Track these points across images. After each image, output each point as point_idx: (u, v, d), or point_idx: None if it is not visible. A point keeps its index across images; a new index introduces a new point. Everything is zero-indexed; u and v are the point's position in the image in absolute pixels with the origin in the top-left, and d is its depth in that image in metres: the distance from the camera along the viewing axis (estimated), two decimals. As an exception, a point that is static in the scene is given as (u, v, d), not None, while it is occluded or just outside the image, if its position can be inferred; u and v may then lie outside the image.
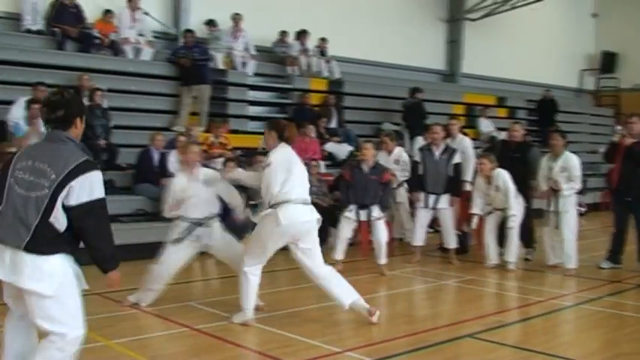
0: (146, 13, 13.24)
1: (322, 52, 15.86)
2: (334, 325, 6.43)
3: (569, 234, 9.09)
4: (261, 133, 9.43)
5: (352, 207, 8.92)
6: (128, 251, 9.40)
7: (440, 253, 10.31)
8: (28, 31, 12.09)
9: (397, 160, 10.36)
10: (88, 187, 3.72)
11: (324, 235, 10.77)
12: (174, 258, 6.81)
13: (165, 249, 6.85)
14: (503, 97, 19.56)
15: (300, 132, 12.97)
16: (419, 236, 9.72)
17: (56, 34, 12.06)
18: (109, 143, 10.95)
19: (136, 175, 10.72)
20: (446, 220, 9.64)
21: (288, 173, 6.08)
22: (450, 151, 9.64)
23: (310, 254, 6.26)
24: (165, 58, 13.33)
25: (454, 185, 9.63)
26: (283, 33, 15.34)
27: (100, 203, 3.78)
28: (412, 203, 10.28)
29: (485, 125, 17.44)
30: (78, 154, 3.78)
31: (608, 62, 24.10)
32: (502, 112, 19.15)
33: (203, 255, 7.60)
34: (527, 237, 9.84)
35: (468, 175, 10.16)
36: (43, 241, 3.66)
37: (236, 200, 7.01)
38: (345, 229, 8.98)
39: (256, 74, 14.72)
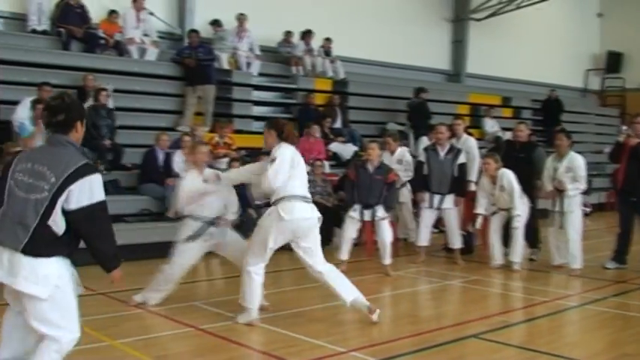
0: (151, 14, 13.27)
1: (327, 52, 15.85)
2: (339, 325, 6.43)
3: (574, 234, 9.08)
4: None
5: (357, 207, 8.91)
6: (133, 251, 9.43)
7: (445, 253, 10.30)
8: (34, 31, 12.13)
9: (400, 160, 10.35)
10: (88, 190, 3.74)
11: (329, 235, 10.79)
12: (186, 257, 6.81)
13: (177, 249, 6.83)
14: (508, 97, 19.55)
15: (304, 132, 13.04)
16: (423, 236, 9.71)
17: (61, 34, 12.11)
18: (114, 143, 10.97)
19: (140, 175, 10.74)
20: (451, 221, 9.63)
21: (292, 170, 6.12)
22: (454, 151, 9.63)
23: (311, 253, 6.29)
24: (170, 59, 13.35)
25: (459, 185, 9.62)
26: (288, 33, 15.35)
27: (100, 206, 3.81)
28: (415, 203, 10.28)
29: (490, 125, 17.45)
30: (77, 157, 3.80)
31: (613, 62, 24.04)
32: (507, 112, 19.14)
33: (208, 255, 7.60)
34: (532, 237, 9.83)
35: (473, 176, 10.14)
36: (40, 244, 3.69)
37: (232, 202, 7.01)
38: (350, 229, 8.97)
39: (261, 74, 14.73)
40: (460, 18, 19.76)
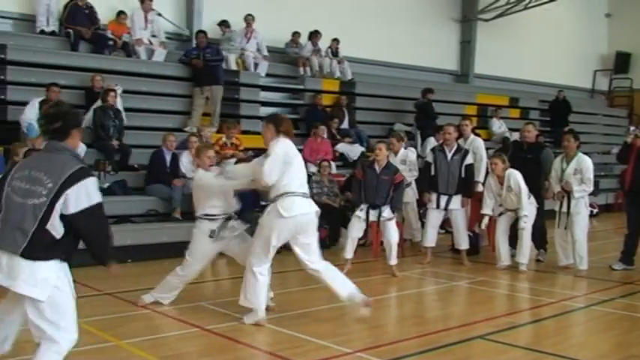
0: (159, 14, 13.30)
1: (334, 52, 15.86)
2: (345, 325, 6.43)
3: (580, 235, 9.06)
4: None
5: (363, 207, 8.91)
6: (140, 251, 9.51)
7: (451, 254, 10.29)
8: (42, 32, 12.18)
9: (404, 160, 10.34)
10: (85, 193, 3.86)
11: (336, 235, 10.83)
12: (200, 258, 6.80)
13: (193, 247, 6.81)
14: (515, 97, 19.51)
15: (312, 133, 13.05)
16: (430, 237, 9.69)
17: (70, 35, 12.14)
18: (122, 144, 11.00)
19: (148, 175, 10.76)
20: (458, 221, 9.62)
21: (288, 165, 6.15)
22: (462, 152, 9.62)
23: (309, 249, 6.34)
24: (177, 59, 13.38)
25: (466, 186, 9.61)
26: (295, 34, 15.36)
27: (98, 207, 3.93)
28: (420, 204, 10.27)
29: (498, 126, 17.44)
30: (73, 162, 3.92)
31: (621, 62, 23.97)
32: (515, 113, 19.11)
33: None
34: (539, 238, 9.82)
35: (480, 176, 10.14)
36: (39, 248, 3.79)
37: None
38: (356, 229, 8.96)
39: (268, 75, 14.76)
40: (468, 18, 19.74)
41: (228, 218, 6.77)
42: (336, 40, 15.78)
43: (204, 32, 13.32)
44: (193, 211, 6.96)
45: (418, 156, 11.46)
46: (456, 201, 9.54)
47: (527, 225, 9.11)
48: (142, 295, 7.00)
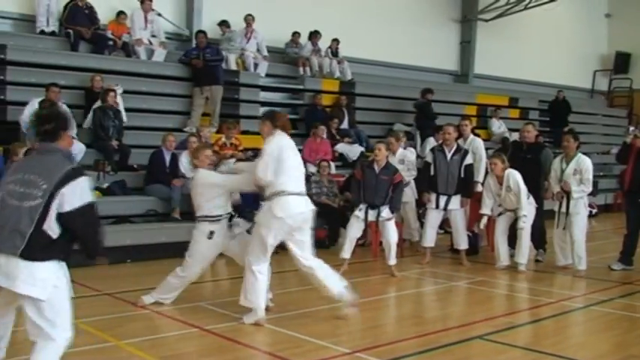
0: (159, 15, 13.31)
1: (334, 52, 15.87)
2: (344, 326, 6.43)
3: (579, 235, 9.07)
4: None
5: (362, 206, 8.91)
6: (139, 252, 9.53)
7: (450, 254, 10.30)
8: (42, 32, 12.18)
9: (402, 160, 10.34)
10: (79, 192, 3.93)
11: (335, 235, 10.83)
12: (201, 259, 6.79)
13: (193, 248, 6.80)
14: (515, 97, 19.51)
15: (311, 133, 13.06)
16: (429, 237, 9.69)
17: (70, 35, 12.14)
18: (122, 144, 11.01)
19: (147, 175, 10.76)
20: (457, 222, 9.62)
21: (282, 162, 6.16)
22: (462, 152, 9.62)
23: (303, 246, 6.38)
24: (177, 60, 13.38)
25: (466, 186, 9.61)
26: (295, 34, 15.37)
27: (90, 206, 3.99)
28: (420, 204, 10.27)
29: (497, 126, 17.45)
30: (65, 163, 3.99)
31: (621, 63, 23.96)
32: (514, 113, 19.12)
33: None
34: (538, 238, 9.83)
35: (480, 176, 10.14)
36: (37, 248, 3.84)
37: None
38: (354, 229, 8.95)
39: (268, 75, 14.77)
40: (468, 19, 19.75)
41: (231, 217, 6.78)
42: (335, 40, 15.78)
43: (204, 32, 13.33)
44: (193, 211, 6.96)
45: (418, 156, 11.46)
46: (456, 201, 9.54)
47: (526, 225, 9.11)
48: (141, 296, 7.00)
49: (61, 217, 3.87)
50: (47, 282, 3.87)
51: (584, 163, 9.09)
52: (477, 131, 12.98)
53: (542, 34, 21.58)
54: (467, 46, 19.86)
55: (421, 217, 10.62)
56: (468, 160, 9.62)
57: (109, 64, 12.29)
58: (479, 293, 8.18)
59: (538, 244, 9.91)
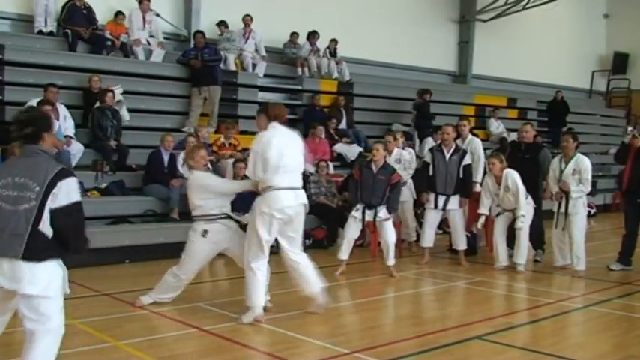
0: (157, 15, 13.30)
1: (332, 53, 15.86)
2: (342, 326, 6.44)
3: (578, 235, 9.07)
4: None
5: (359, 207, 8.89)
6: (137, 252, 9.52)
7: (449, 254, 10.29)
8: (40, 32, 12.16)
9: (398, 159, 10.33)
10: (66, 192, 3.97)
11: (334, 236, 10.82)
12: (198, 259, 6.79)
13: (188, 247, 6.79)
14: (513, 98, 19.52)
15: (310, 133, 13.05)
16: (428, 237, 9.69)
17: (68, 35, 12.12)
18: (120, 144, 11.00)
19: (145, 176, 10.76)
20: (456, 222, 9.62)
21: (264, 160, 6.19)
22: (460, 152, 9.61)
23: (293, 241, 6.44)
24: (175, 60, 13.37)
25: (464, 186, 9.61)
26: (293, 34, 15.37)
27: (77, 206, 4.03)
28: (418, 204, 10.26)
29: (496, 126, 17.45)
30: (53, 163, 4.05)
31: (619, 63, 24.00)
32: (512, 113, 19.13)
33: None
34: (537, 238, 9.82)
35: (478, 176, 10.14)
36: (36, 249, 3.90)
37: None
38: (352, 229, 8.93)
39: (266, 75, 14.76)
40: (466, 19, 19.76)
41: (229, 216, 6.77)
42: (334, 41, 15.77)
43: (202, 32, 13.33)
44: (190, 211, 6.96)
45: (417, 156, 11.45)
46: (454, 201, 9.54)
47: (524, 225, 9.11)
48: (139, 296, 6.99)
49: (51, 215, 3.93)
50: (52, 279, 3.94)
51: (583, 163, 9.10)
52: (476, 131, 12.97)
53: (540, 34, 21.59)
54: (465, 47, 19.87)
55: (420, 217, 10.61)
56: (467, 160, 9.61)
57: (107, 64, 12.28)
58: (477, 293, 8.18)
59: (536, 245, 9.91)
